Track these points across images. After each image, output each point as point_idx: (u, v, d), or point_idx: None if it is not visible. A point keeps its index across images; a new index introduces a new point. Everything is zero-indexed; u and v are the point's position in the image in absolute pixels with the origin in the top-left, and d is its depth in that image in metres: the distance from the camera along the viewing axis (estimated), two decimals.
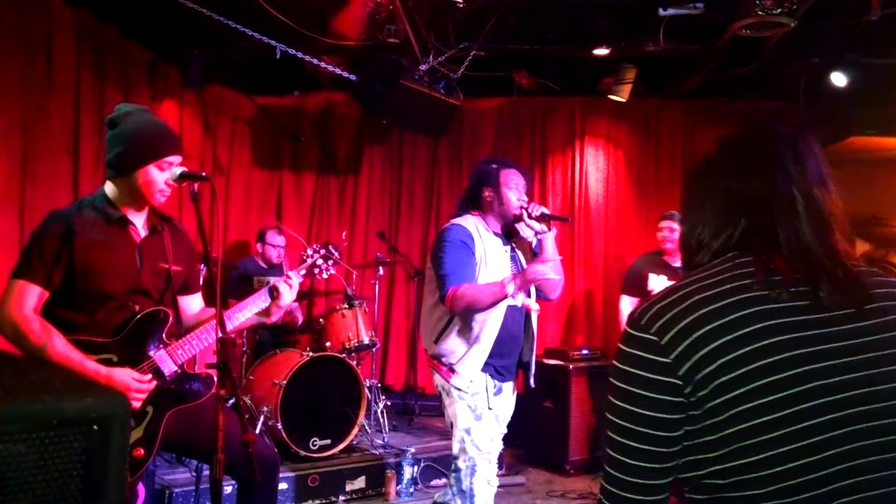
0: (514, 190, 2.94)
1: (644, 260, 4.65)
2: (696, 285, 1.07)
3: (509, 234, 3.03)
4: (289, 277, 2.56)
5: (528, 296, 2.98)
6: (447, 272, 2.79)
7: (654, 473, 1.04)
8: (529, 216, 2.88)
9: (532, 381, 3.07)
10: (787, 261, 1.06)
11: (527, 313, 2.97)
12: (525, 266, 2.98)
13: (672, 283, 1.15)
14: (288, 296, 2.53)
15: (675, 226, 4.38)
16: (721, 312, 1.02)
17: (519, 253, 3.06)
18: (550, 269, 2.72)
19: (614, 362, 1.09)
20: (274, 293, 2.52)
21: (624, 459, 1.05)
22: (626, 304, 4.55)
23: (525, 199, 2.96)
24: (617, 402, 1.06)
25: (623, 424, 1.05)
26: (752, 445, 0.99)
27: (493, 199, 2.96)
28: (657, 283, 4.45)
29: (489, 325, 2.82)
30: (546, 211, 2.92)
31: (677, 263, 4.42)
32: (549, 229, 2.91)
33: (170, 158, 2.33)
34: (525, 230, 2.99)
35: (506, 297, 2.70)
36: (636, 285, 4.51)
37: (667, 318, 1.04)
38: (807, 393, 0.99)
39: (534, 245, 3.06)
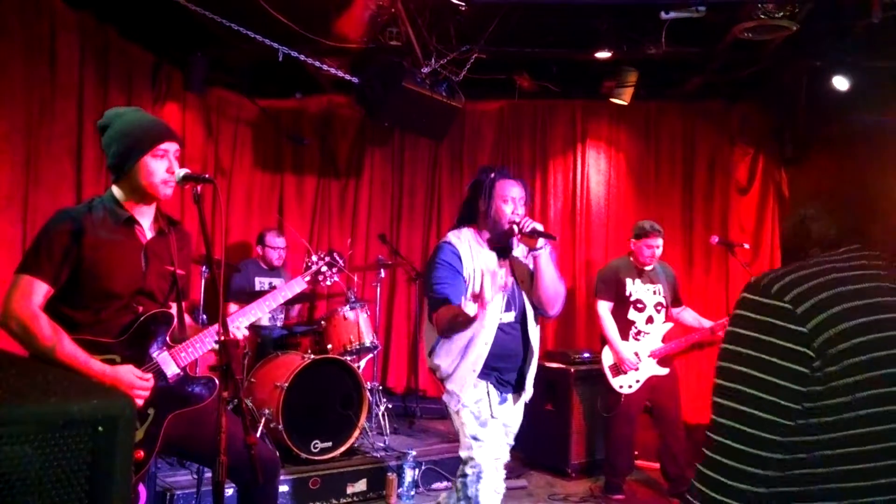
0: (509, 202, 2.81)
1: (619, 264, 4.62)
2: (829, 264, 1.06)
3: (502, 249, 2.90)
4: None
5: (524, 311, 2.90)
6: (431, 295, 2.79)
7: (774, 446, 1.01)
8: (521, 231, 2.73)
9: (528, 394, 2.97)
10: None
11: (525, 330, 2.90)
12: (517, 284, 2.91)
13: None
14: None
15: (661, 242, 4.48)
16: (860, 294, 1.02)
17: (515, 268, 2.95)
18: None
19: (736, 329, 1.06)
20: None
21: (745, 429, 1.02)
22: (605, 310, 4.54)
23: (520, 212, 2.82)
24: (741, 369, 1.03)
25: (749, 392, 1.02)
26: (872, 434, 0.97)
27: (487, 212, 2.85)
28: (635, 287, 4.49)
29: (477, 341, 2.78)
30: (539, 227, 2.73)
31: (648, 267, 4.50)
32: (538, 246, 2.76)
33: (164, 146, 2.32)
34: (517, 246, 2.92)
35: (467, 315, 2.55)
36: (614, 290, 4.53)
37: (803, 288, 1.03)
38: None
39: (522, 258, 2.94)
